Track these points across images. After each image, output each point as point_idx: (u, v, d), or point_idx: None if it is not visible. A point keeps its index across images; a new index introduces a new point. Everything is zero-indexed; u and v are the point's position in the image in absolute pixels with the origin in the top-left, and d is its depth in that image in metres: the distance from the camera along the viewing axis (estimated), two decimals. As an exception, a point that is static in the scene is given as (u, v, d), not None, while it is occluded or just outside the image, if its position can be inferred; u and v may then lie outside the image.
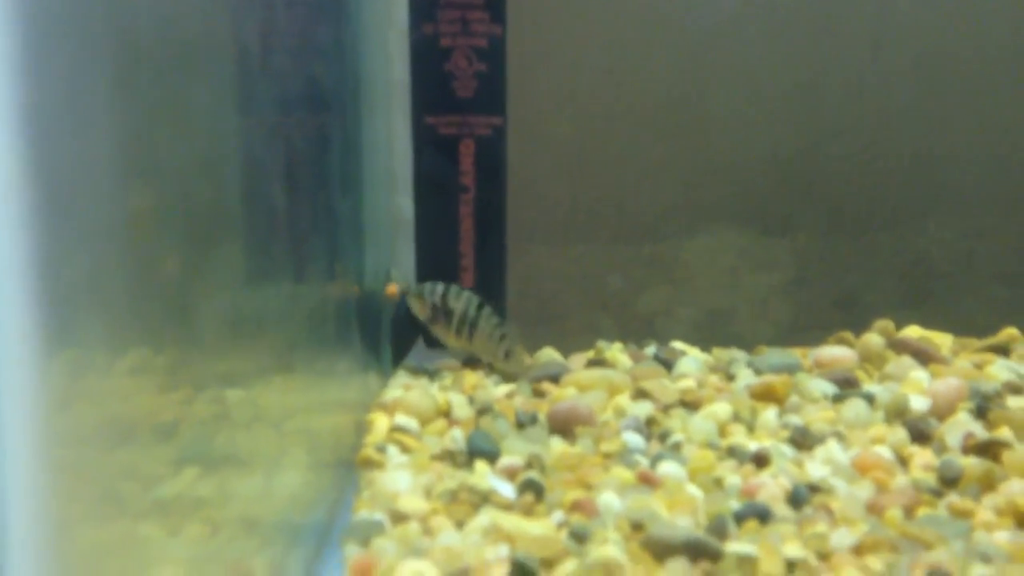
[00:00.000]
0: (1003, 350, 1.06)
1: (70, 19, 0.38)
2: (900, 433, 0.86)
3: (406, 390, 0.97)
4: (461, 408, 0.93)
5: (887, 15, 1.25)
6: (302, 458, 0.74)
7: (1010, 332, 1.08)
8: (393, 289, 1.04)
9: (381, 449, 0.83)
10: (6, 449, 0.36)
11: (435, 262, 1.07)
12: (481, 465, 0.82)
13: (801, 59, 1.26)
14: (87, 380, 0.41)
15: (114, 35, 0.42)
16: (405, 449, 0.84)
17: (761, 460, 0.82)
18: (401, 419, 0.88)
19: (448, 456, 0.83)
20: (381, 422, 0.89)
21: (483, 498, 0.76)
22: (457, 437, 0.85)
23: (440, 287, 1.02)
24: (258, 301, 0.62)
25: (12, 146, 0.35)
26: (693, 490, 0.78)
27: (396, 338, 1.06)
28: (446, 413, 0.92)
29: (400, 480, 0.78)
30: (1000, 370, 0.98)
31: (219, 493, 0.58)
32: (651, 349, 1.11)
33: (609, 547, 0.67)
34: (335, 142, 0.81)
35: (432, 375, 1.05)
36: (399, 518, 0.73)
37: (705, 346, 1.17)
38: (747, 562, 0.67)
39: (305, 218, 0.71)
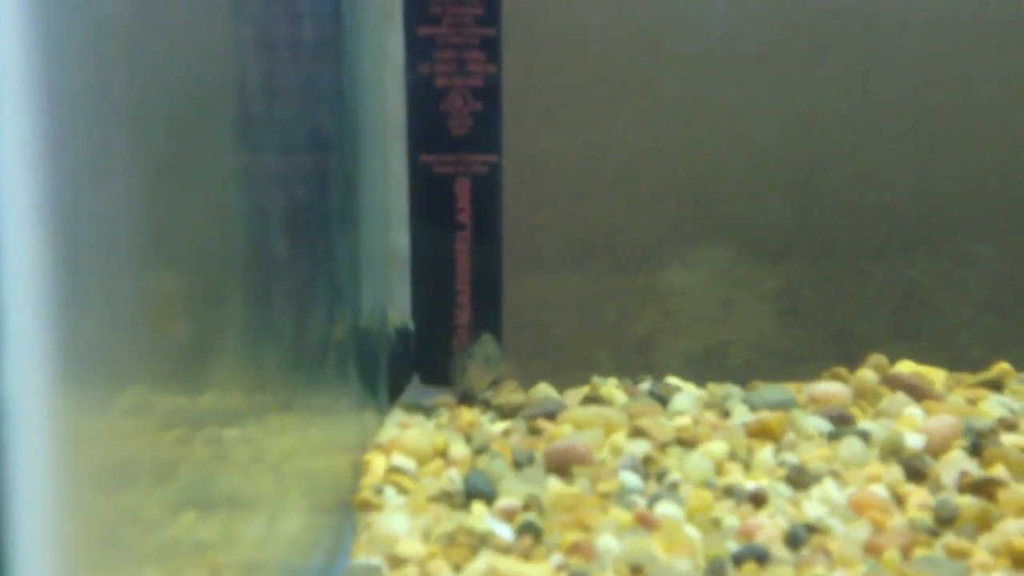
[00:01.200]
0: (996, 385, 1.06)
1: (90, 94, 0.39)
2: (895, 471, 0.86)
3: (403, 429, 0.97)
4: (458, 447, 0.93)
5: (877, 46, 1.27)
6: (301, 501, 0.74)
7: (1002, 367, 1.09)
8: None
9: (378, 491, 0.83)
10: (15, 494, 0.37)
11: (431, 299, 1.07)
12: (478, 506, 0.82)
13: (793, 90, 1.28)
14: (96, 423, 0.41)
15: (130, 103, 0.43)
16: (402, 490, 0.84)
17: (758, 500, 0.82)
18: (398, 459, 0.88)
19: (445, 497, 0.83)
20: (378, 463, 0.89)
21: (481, 540, 0.76)
22: (454, 478, 0.85)
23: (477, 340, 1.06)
24: (259, 346, 0.62)
25: (33, 208, 0.35)
26: (691, 531, 0.78)
27: (393, 375, 1.06)
28: (443, 453, 0.92)
29: (398, 523, 0.78)
30: (994, 406, 0.98)
31: (219, 536, 0.58)
32: (646, 384, 1.12)
33: (608, 591, 0.68)
34: (334, 183, 0.81)
35: (428, 412, 1.05)
36: (397, 562, 0.73)
37: (699, 379, 1.18)
38: (746, 606, 0.67)
39: (306, 262, 0.72)
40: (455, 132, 1.04)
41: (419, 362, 1.09)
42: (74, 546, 0.40)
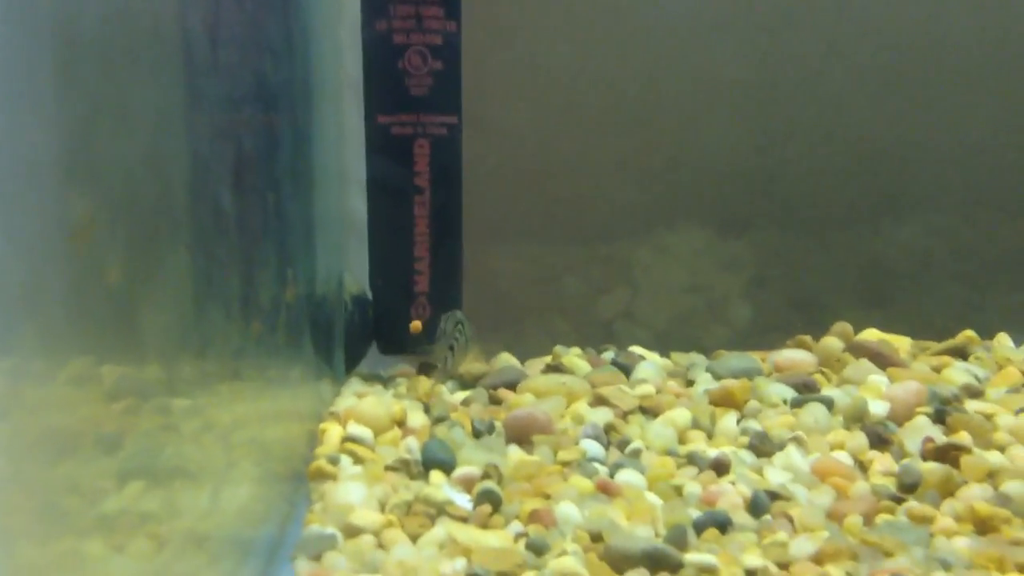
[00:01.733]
0: (961, 352, 1.06)
1: (11, 13, 0.36)
2: (859, 438, 0.85)
3: (359, 398, 0.94)
4: (416, 416, 0.91)
5: (843, 14, 1.25)
6: (252, 470, 0.72)
7: (968, 334, 1.08)
8: (417, 325, 1.04)
9: (333, 460, 0.81)
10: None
11: (389, 265, 1.04)
12: (437, 476, 0.79)
13: (757, 58, 1.26)
14: (26, 390, 0.39)
15: (56, 29, 0.39)
16: (358, 460, 0.82)
17: (721, 467, 0.81)
18: (354, 429, 0.86)
19: (403, 466, 0.81)
20: (334, 432, 0.86)
21: (439, 510, 0.74)
22: (412, 447, 0.83)
23: (447, 314, 1.03)
24: (205, 307, 0.59)
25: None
26: (652, 498, 0.77)
27: (350, 344, 1.03)
28: (400, 422, 0.90)
29: (353, 492, 0.76)
30: (958, 373, 0.98)
31: (165, 507, 0.55)
32: (609, 354, 1.10)
33: (568, 559, 0.66)
34: (285, 141, 0.78)
35: (386, 382, 1.03)
36: (352, 532, 0.71)
37: (664, 349, 1.16)
38: (707, 572, 0.66)
39: (254, 221, 0.69)
40: (413, 92, 1.01)
41: (377, 330, 1.06)
42: (11, 516, 0.38)
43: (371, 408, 0.89)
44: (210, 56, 0.58)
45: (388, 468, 0.81)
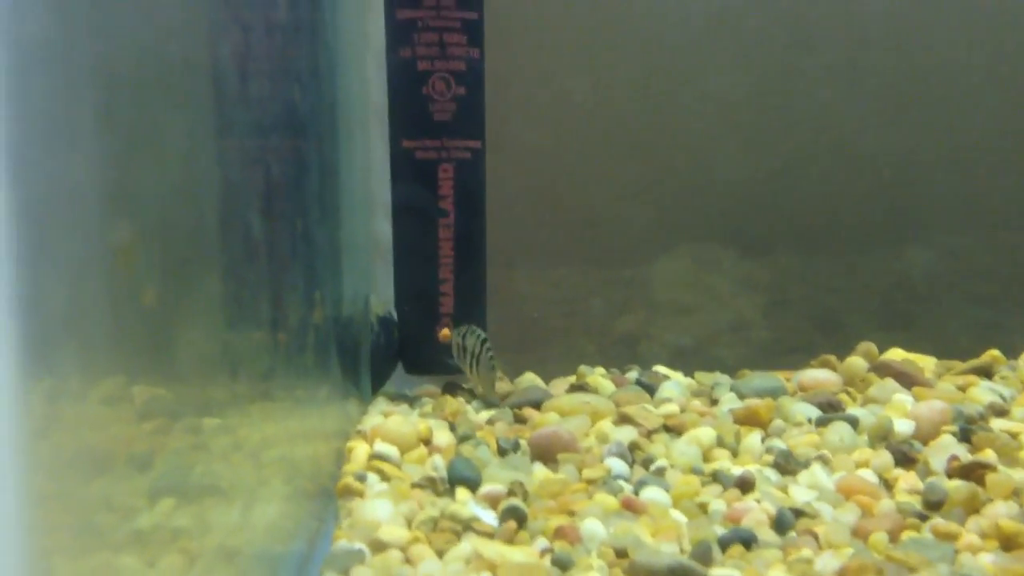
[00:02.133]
0: (986, 372, 1.05)
1: (53, 48, 0.38)
2: (884, 456, 0.85)
3: (386, 417, 0.95)
4: (442, 435, 0.92)
5: (861, 36, 1.26)
6: (281, 487, 0.73)
7: (993, 354, 1.08)
8: (447, 333, 1.05)
9: (361, 477, 0.82)
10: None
11: (414, 287, 1.06)
12: (462, 493, 0.80)
13: (778, 80, 1.27)
14: (66, 409, 0.40)
15: (96, 65, 0.41)
16: (385, 477, 0.83)
17: (745, 485, 0.81)
18: (381, 447, 0.87)
19: (429, 484, 0.82)
20: (361, 450, 0.87)
21: (465, 526, 0.75)
22: (438, 464, 0.84)
23: (464, 328, 1.03)
24: (236, 329, 0.61)
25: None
26: (677, 516, 0.77)
27: (376, 364, 1.05)
28: (426, 440, 0.91)
29: (380, 509, 0.77)
30: (983, 392, 0.98)
31: (197, 523, 0.56)
32: (633, 373, 1.11)
33: (593, 574, 0.66)
34: (313, 168, 0.80)
35: (412, 402, 1.04)
36: (379, 547, 0.72)
37: (687, 369, 1.16)
38: (733, 589, 0.66)
39: (283, 245, 0.70)
40: (437, 117, 1.03)
41: (403, 351, 1.07)
42: (48, 533, 0.39)
43: (397, 426, 0.90)
44: (240, 87, 0.59)
45: (415, 485, 0.82)
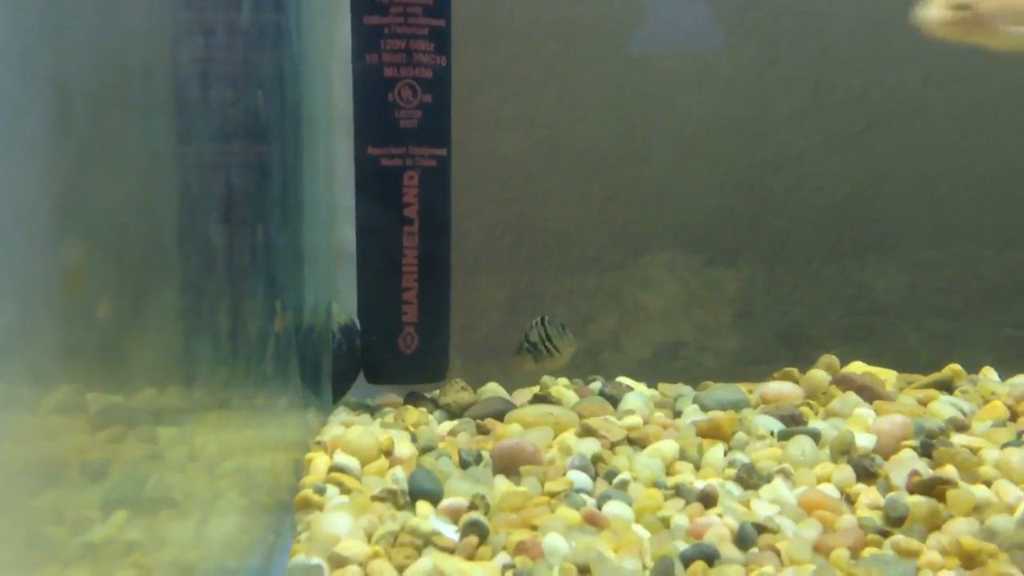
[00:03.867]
0: (947, 386, 1.06)
1: (5, 54, 0.36)
2: (846, 471, 0.85)
3: (346, 427, 0.94)
4: (403, 446, 0.90)
5: (829, 48, 1.27)
6: (238, 500, 0.71)
7: (953, 368, 1.09)
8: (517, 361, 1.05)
9: (320, 490, 0.81)
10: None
11: (378, 295, 1.05)
12: (423, 506, 0.79)
13: (745, 91, 1.27)
14: (14, 418, 0.39)
15: (49, 72, 0.40)
16: (345, 490, 0.82)
17: (708, 499, 0.81)
18: (341, 458, 0.86)
19: (389, 497, 0.80)
20: (320, 461, 0.86)
21: (425, 541, 0.74)
22: (399, 477, 0.83)
23: (522, 337, 1.04)
24: (193, 339, 0.59)
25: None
26: (640, 530, 0.77)
27: (337, 373, 1.03)
28: (388, 452, 0.89)
29: (339, 522, 0.75)
30: (944, 407, 0.98)
31: (151, 537, 0.55)
32: (597, 384, 1.10)
33: (554, 592, 0.66)
34: (275, 174, 0.79)
35: (374, 411, 1.03)
36: (338, 562, 0.71)
37: (651, 379, 1.16)
38: (695, 606, 0.66)
39: (243, 253, 0.69)
40: (403, 125, 1.02)
41: (365, 360, 1.06)
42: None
43: (358, 437, 0.89)
44: (201, 92, 0.58)
45: (375, 498, 0.80)
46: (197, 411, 0.62)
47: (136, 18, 0.50)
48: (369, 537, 0.75)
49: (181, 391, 0.58)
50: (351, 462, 0.86)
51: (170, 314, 0.55)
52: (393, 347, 1.04)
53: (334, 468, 0.85)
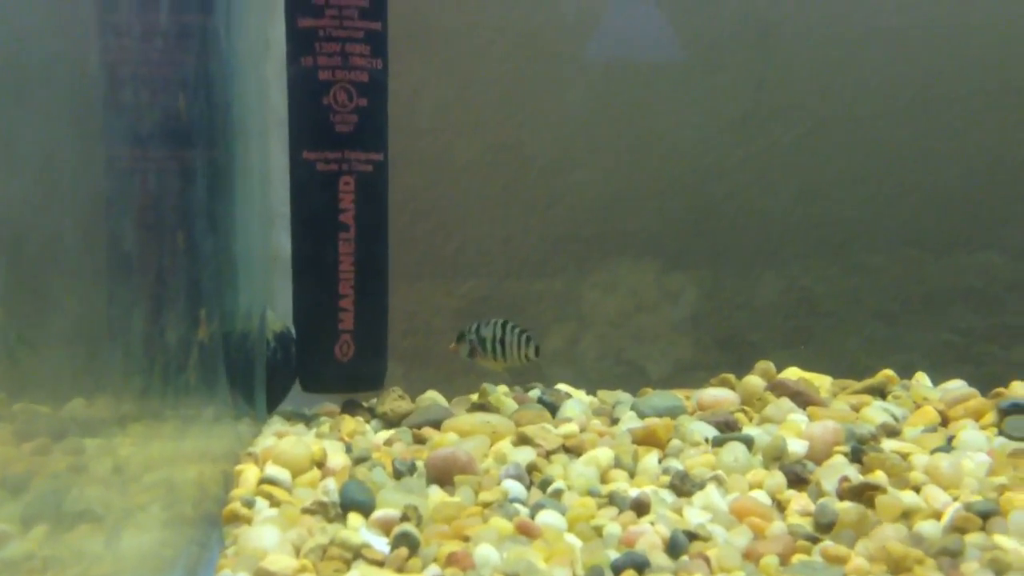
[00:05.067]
0: (880, 391, 1.07)
1: None
2: (778, 477, 0.86)
3: (279, 438, 0.92)
4: (337, 456, 0.89)
5: (771, 54, 1.28)
6: (159, 514, 0.70)
7: (887, 373, 1.10)
8: (453, 348, 1.06)
9: (249, 503, 0.79)
10: None
11: (314, 302, 1.03)
12: (355, 518, 0.78)
13: (688, 96, 1.28)
14: None
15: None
16: (275, 502, 0.80)
17: (641, 507, 0.81)
18: (271, 470, 0.84)
19: (320, 509, 0.79)
20: (250, 473, 0.84)
21: (355, 553, 0.73)
22: (330, 488, 0.82)
23: (473, 325, 1.04)
24: (100, 347, 0.58)
25: None
26: (572, 539, 0.76)
27: (272, 382, 1.02)
28: (320, 463, 0.88)
29: (267, 536, 0.74)
30: (876, 412, 0.99)
31: (67, 552, 0.54)
32: (536, 392, 1.09)
33: (481, 605, 0.65)
34: (199, 178, 0.77)
35: (309, 421, 1.01)
36: (263, 577, 0.69)
37: (592, 386, 1.16)
38: (623, 617, 0.65)
39: (159, 258, 0.67)
40: (339, 129, 1.00)
41: (300, 368, 1.04)
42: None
43: (290, 448, 0.87)
44: (111, 92, 0.57)
45: (305, 511, 0.79)
46: (109, 422, 0.60)
47: (39, 14, 0.49)
48: (297, 551, 0.73)
49: (87, 402, 0.57)
50: (282, 474, 0.84)
51: (72, 321, 0.54)
52: (329, 355, 1.03)
53: (264, 480, 0.83)
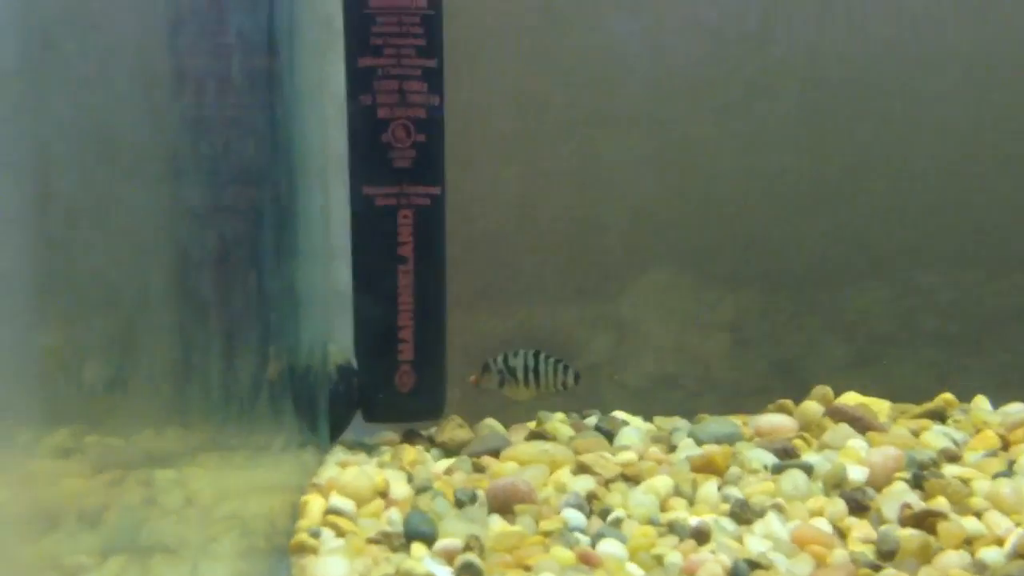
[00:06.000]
0: (939, 416, 1.07)
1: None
2: (838, 504, 0.86)
3: (342, 468, 0.95)
4: (399, 486, 0.91)
5: (822, 74, 1.28)
6: (232, 545, 0.72)
7: (945, 397, 1.10)
8: (474, 379, 1.09)
9: (315, 534, 0.81)
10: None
11: (374, 335, 1.05)
12: (418, 548, 0.80)
13: (739, 119, 1.28)
14: (6, 464, 0.40)
15: (32, 140, 0.41)
16: (340, 533, 0.82)
17: (701, 536, 0.81)
18: (336, 500, 0.86)
19: (384, 539, 0.81)
20: (316, 504, 0.86)
21: (420, 583, 0.74)
22: (394, 518, 0.84)
23: (500, 357, 1.08)
24: (187, 391, 0.60)
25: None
26: (633, 569, 0.77)
27: (334, 413, 1.04)
28: (383, 492, 0.90)
29: (334, 567, 0.76)
30: (936, 437, 0.99)
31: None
32: (592, 419, 1.11)
33: (547, 635, 0.66)
34: (268, 218, 0.80)
35: (370, 450, 1.03)
36: (332, 607, 0.71)
37: (647, 411, 1.17)
38: (686, 647, 0.66)
39: (234, 300, 0.70)
40: (397, 164, 1.03)
41: (362, 399, 1.07)
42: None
43: (353, 479, 0.89)
44: (192, 146, 0.59)
45: (370, 541, 0.81)
46: (192, 455, 0.62)
47: (124, 77, 0.52)
48: (364, 580, 0.75)
49: (175, 438, 0.59)
50: (347, 504, 0.86)
51: (160, 370, 0.56)
52: (390, 385, 1.05)
53: (330, 511, 0.85)
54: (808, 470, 0.91)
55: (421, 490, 0.90)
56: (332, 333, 1.09)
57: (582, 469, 0.94)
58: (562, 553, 0.78)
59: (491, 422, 1.10)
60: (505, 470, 0.94)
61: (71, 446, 0.46)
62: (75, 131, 0.45)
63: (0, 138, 0.39)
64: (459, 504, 0.88)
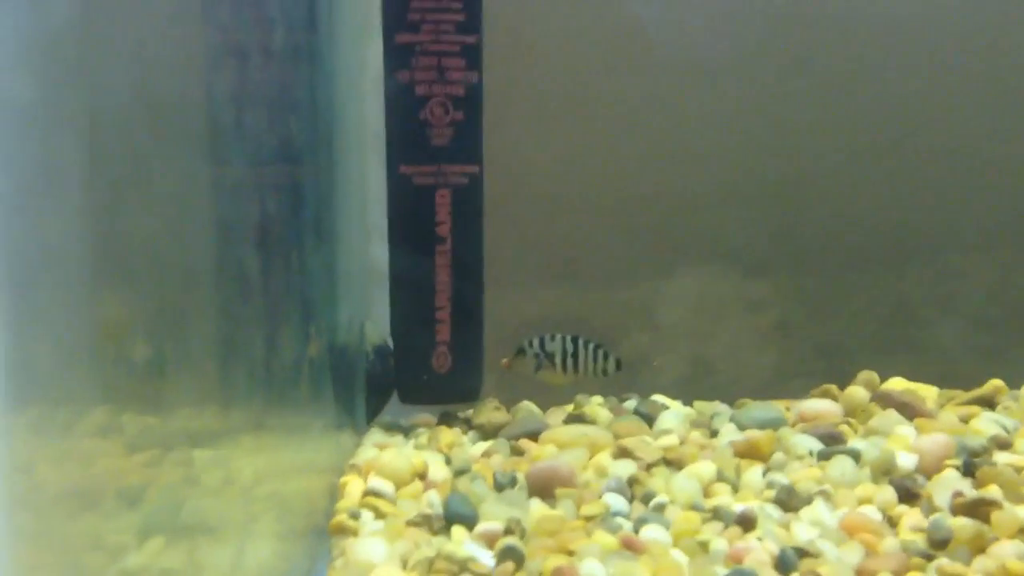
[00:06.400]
0: (989, 402, 1.04)
1: (37, 101, 0.36)
2: (888, 492, 0.84)
3: (380, 450, 0.94)
4: (437, 469, 0.90)
5: (859, 54, 1.25)
6: (272, 526, 0.71)
7: (995, 383, 1.07)
8: (506, 363, 1.06)
9: (355, 515, 0.81)
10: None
11: (411, 314, 1.04)
12: (459, 531, 0.79)
13: (775, 100, 1.26)
14: (51, 442, 0.39)
15: (81, 112, 0.40)
16: (379, 515, 0.82)
17: (747, 522, 0.80)
18: (375, 482, 0.85)
19: (424, 521, 0.80)
20: (354, 485, 0.86)
21: (461, 567, 0.73)
22: (434, 501, 0.82)
23: (535, 340, 1.05)
24: (227, 364, 0.59)
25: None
26: (678, 555, 0.76)
27: (371, 393, 1.03)
28: (422, 475, 0.89)
29: (375, 548, 0.75)
30: (986, 424, 0.96)
31: (187, 563, 0.55)
32: (631, 403, 1.09)
33: (593, 621, 0.65)
34: (309, 196, 0.79)
35: (407, 432, 1.02)
36: (374, 590, 0.70)
37: (686, 396, 1.15)
38: (736, 635, 0.65)
39: (277, 277, 0.69)
40: (435, 142, 1.01)
41: (398, 380, 1.06)
42: (31, 573, 0.38)
43: (392, 461, 0.89)
44: (236, 121, 0.58)
45: (410, 523, 0.80)
46: (232, 436, 0.62)
47: (171, 48, 0.51)
48: (404, 563, 0.74)
49: (215, 420, 0.59)
50: (386, 486, 0.85)
51: (205, 342, 0.55)
52: (427, 366, 1.04)
53: (368, 492, 0.84)
54: (856, 456, 0.89)
55: (460, 472, 0.89)
56: (369, 312, 1.08)
57: (623, 453, 0.92)
58: (605, 538, 0.77)
59: (528, 405, 1.09)
60: (544, 453, 0.93)
61: (113, 424, 0.45)
62: (119, 100, 0.44)
63: (49, 103, 0.37)
64: (499, 487, 0.87)
